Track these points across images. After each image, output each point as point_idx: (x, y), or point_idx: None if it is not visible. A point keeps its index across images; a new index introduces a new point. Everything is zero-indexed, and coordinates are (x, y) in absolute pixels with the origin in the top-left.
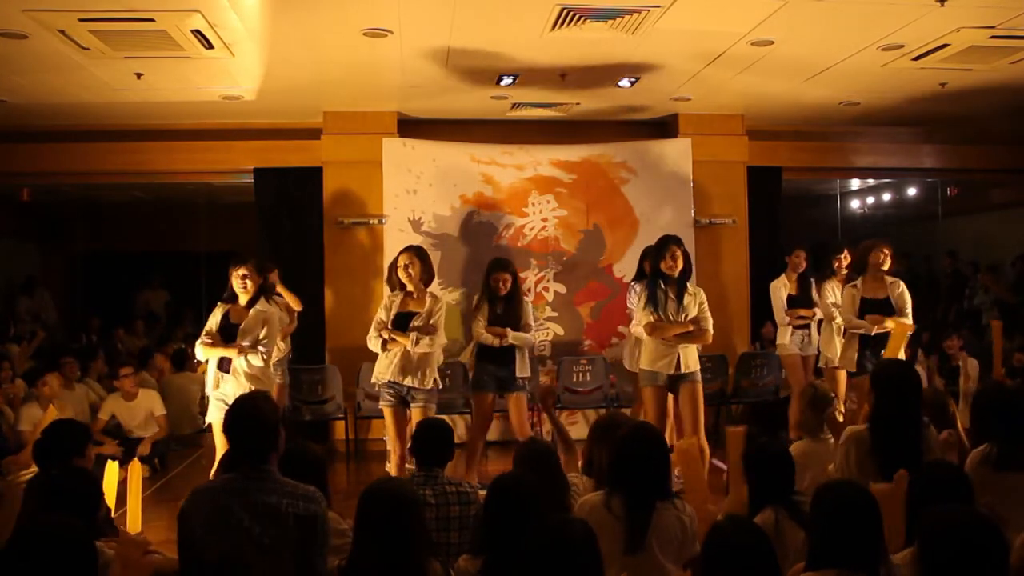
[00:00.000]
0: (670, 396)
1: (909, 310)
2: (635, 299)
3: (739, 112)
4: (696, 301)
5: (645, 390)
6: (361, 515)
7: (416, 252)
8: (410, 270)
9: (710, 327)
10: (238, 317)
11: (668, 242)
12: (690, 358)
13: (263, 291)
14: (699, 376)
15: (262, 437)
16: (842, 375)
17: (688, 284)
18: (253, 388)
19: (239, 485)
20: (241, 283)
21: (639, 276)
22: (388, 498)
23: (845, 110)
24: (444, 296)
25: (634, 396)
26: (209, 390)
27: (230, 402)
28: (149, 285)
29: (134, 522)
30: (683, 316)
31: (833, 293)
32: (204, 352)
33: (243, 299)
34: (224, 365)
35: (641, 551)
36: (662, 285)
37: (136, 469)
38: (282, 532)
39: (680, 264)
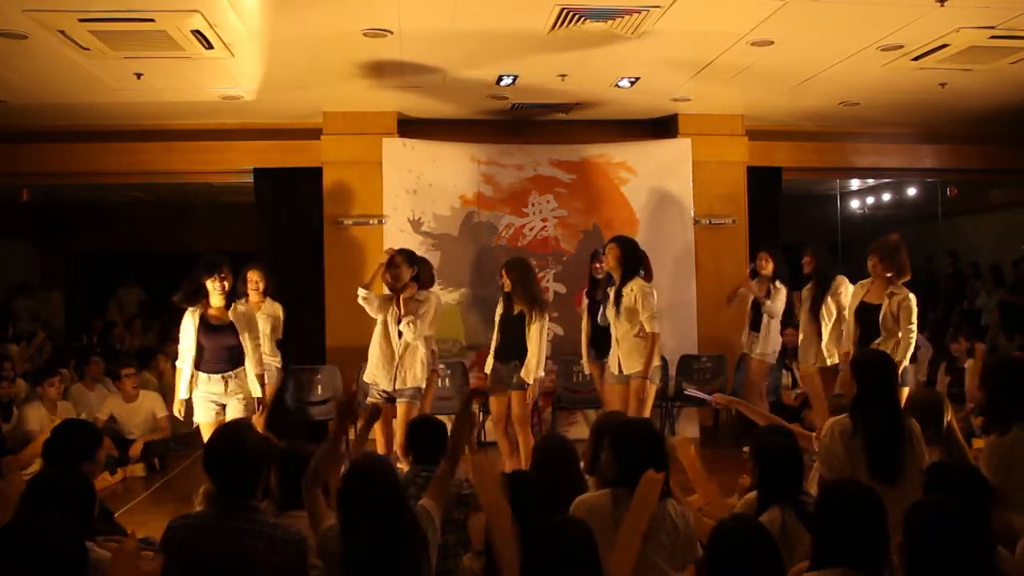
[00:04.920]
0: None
1: (902, 326)
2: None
3: (739, 112)
4: (633, 297)
5: (604, 385)
6: (342, 495)
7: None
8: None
9: (648, 327)
10: (217, 319)
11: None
12: (624, 362)
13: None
14: (640, 375)
15: (247, 471)
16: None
17: (628, 283)
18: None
19: (216, 524)
20: (220, 285)
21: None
22: (363, 473)
23: (845, 110)
24: (444, 296)
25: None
26: (183, 394)
27: (220, 400)
28: (123, 283)
29: None
30: (620, 316)
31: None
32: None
33: (219, 301)
34: (209, 366)
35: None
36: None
37: None
38: None
39: (610, 263)
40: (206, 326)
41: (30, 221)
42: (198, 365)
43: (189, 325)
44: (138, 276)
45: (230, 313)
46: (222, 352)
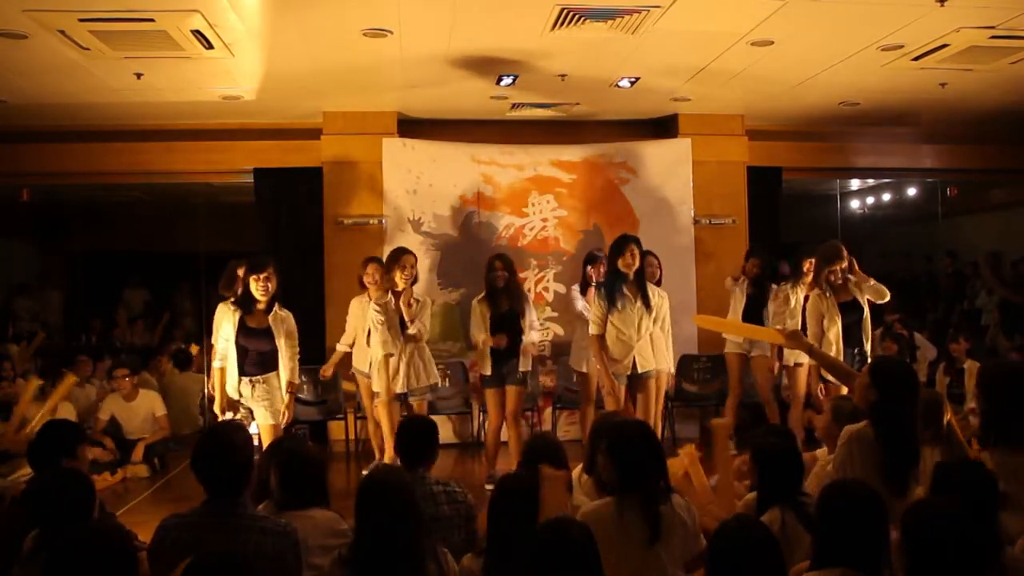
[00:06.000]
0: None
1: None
2: (580, 301)
3: (739, 112)
4: (665, 305)
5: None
6: (360, 504)
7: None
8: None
9: (668, 324)
10: (256, 322)
11: (627, 240)
12: (645, 359)
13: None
14: (656, 373)
15: (236, 470)
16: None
17: (654, 288)
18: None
19: (208, 522)
20: (263, 286)
21: (583, 283)
22: (384, 486)
23: (845, 110)
24: (443, 296)
25: (581, 397)
26: (231, 393)
27: (247, 404)
28: (129, 284)
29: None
30: (651, 317)
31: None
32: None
33: (262, 303)
34: (248, 369)
35: (658, 542)
36: (622, 285)
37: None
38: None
39: (637, 263)
40: (244, 329)
41: (30, 221)
42: (240, 369)
43: (228, 325)
44: (143, 277)
45: (270, 317)
46: (255, 356)
